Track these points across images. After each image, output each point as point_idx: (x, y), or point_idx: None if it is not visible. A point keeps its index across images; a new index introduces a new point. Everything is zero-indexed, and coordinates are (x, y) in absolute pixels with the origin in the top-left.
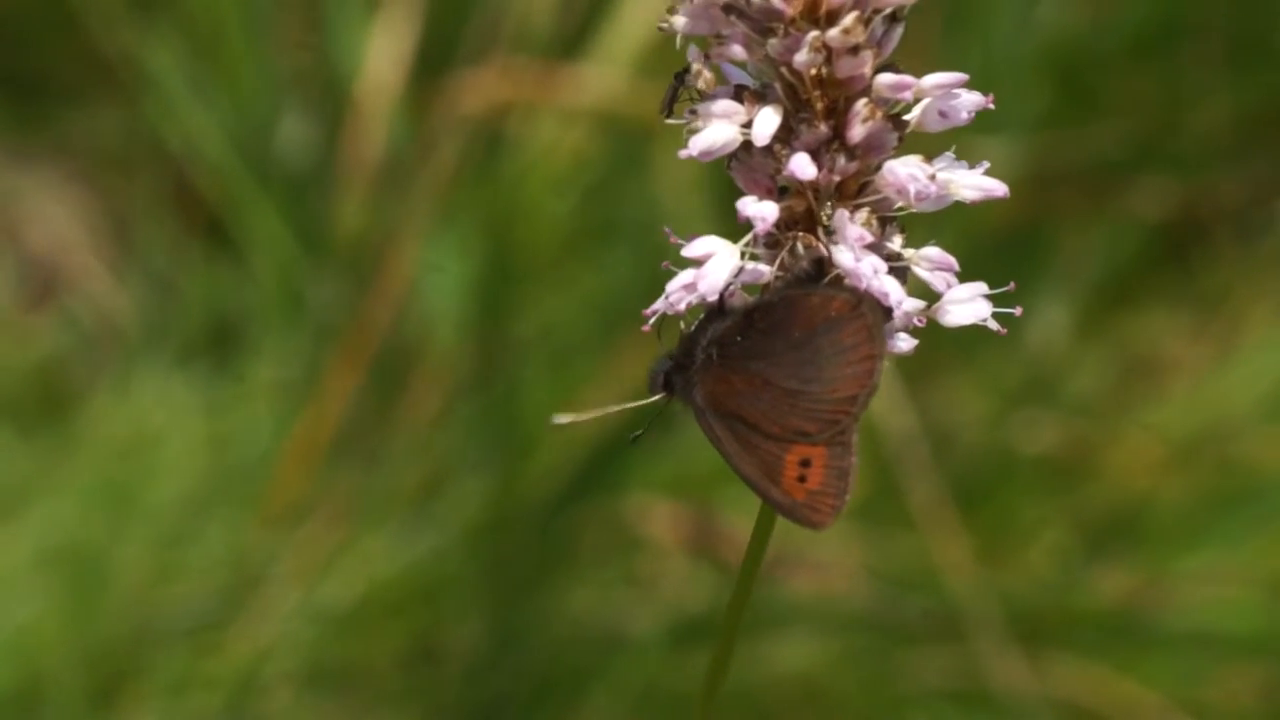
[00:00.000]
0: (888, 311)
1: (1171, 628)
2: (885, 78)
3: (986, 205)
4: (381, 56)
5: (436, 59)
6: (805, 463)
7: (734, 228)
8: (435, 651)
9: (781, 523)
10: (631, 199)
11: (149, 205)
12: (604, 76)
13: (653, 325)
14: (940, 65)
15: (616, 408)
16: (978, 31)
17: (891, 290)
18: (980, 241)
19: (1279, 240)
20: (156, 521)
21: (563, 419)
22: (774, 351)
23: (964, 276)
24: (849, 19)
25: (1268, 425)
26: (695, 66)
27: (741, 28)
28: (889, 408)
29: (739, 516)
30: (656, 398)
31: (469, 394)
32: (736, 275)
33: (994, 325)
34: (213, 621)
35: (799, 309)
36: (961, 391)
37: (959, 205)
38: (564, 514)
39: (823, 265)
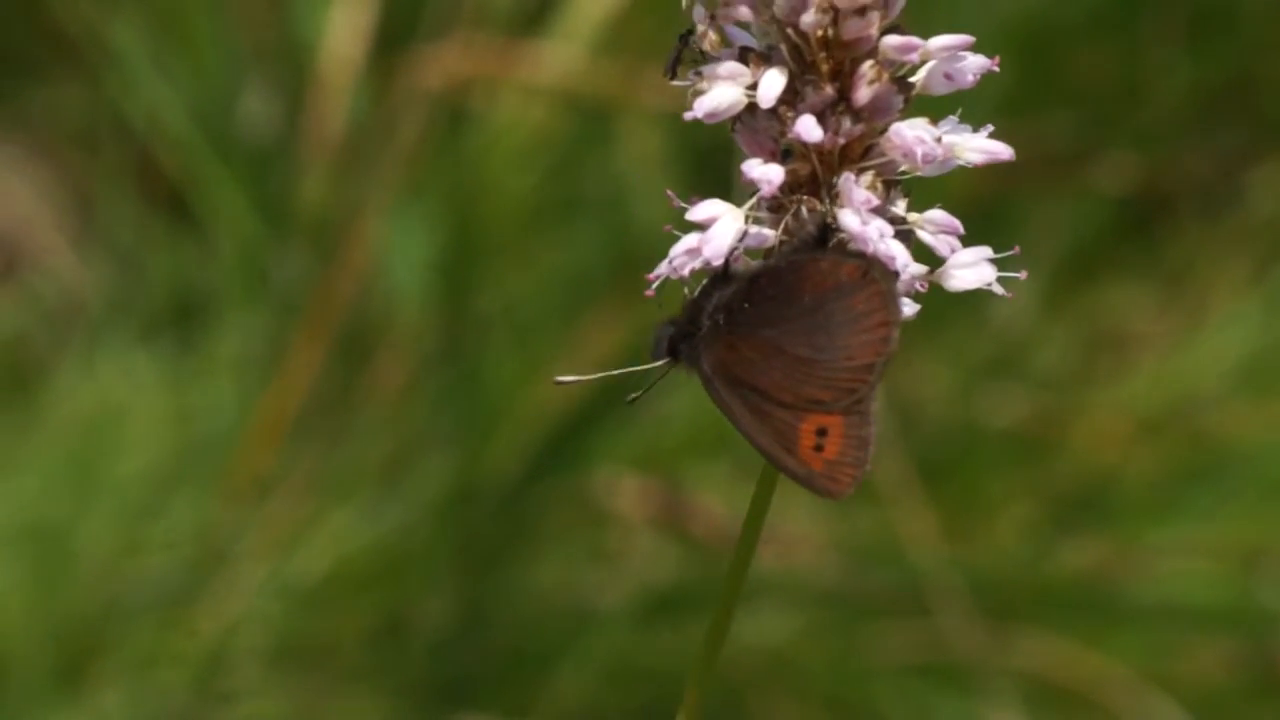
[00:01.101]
0: (894, 275)
1: (1140, 601)
2: (892, 39)
3: (952, 176)
4: (343, 31)
5: (398, 34)
6: (822, 432)
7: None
8: (402, 627)
9: (745, 496)
10: (595, 175)
11: (111, 181)
12: (566, 53)
13: (655, 290)
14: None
15: (618, 371)
16: (943, 6)
17: (897, 254)
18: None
19: (1243, 214)
20: (121, 497)
21: (566, 379)
22: (784, 318)
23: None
24: None
25: (1234, 398)
26: (700, 28)
27: None
28: None
29: (707, 491)
30: (659, 363)
31: (434, 369)
32: (741, 239)
33: (999, 289)
34: (179, 598)
35: (807, 274)
36: (928, 366)
37: (923, 180)
38: (531, 489)
39: (828, 229)
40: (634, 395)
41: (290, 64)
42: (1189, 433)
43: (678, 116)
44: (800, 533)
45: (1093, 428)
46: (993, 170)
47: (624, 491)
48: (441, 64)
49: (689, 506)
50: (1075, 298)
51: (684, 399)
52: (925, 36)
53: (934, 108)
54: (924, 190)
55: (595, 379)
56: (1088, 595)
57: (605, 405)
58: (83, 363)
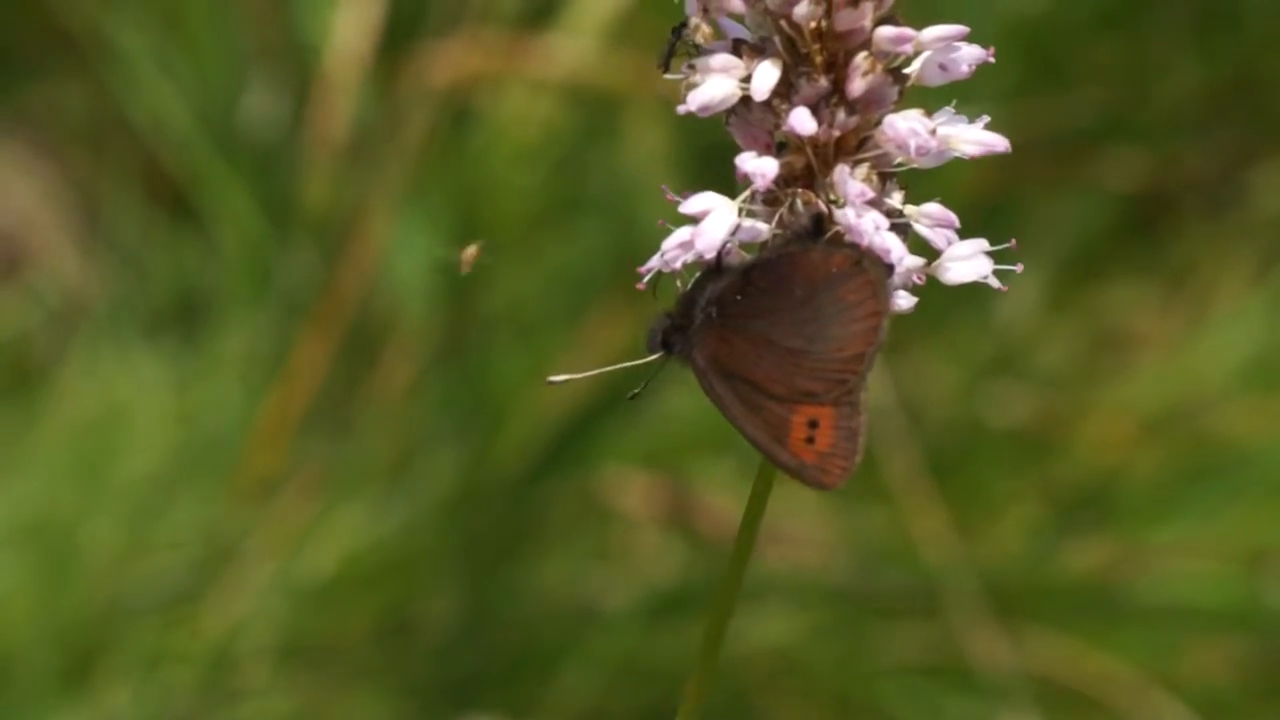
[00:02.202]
0: (889, 268)
1: (1145, 601)
2: (885, 30)
3: (956, 175)
4: (348, 28)
5: (404, 30)
6: (813, 423)
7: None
8: (408, 626)
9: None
10: (601, 171)
11: (115, 180)
12: (573, 47)
13: (648, 283)
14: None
15: (613, 367)
16: (947, 2)
17: (893, 246)
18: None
19: (1247, 211)
20: (127, 497)
21: (558, 379)
22: (775, 310)
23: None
24: None
25: (1239, 397)
26: (693, 20)
27: None
28: None
29: (712, 488)
30: (654, 357)
31: (440, 368)
32: (734, 233)
33: (994, 282)
34: (185, 596)
35: (799, 266)
36: (931, 364)
37: (928, 174)
38: (537, 487)
39: (822, 222)
40: (634, 392)
41: (295, 61)
42: (1194, 431)
43: (683, 114)
44: (806, 532)
45: (1097, 426)
46: (997, 167)
47: (630, 489)
48: (447, 61)
49: (695, 504)
50: (1079, 296)
51: (689, 396)
52: (920, 29)
53: (934, 100)
54: (927, 186)
55: (591, 375)
56: (1093, 595)
57: (610, 403)
58: (87, 362)
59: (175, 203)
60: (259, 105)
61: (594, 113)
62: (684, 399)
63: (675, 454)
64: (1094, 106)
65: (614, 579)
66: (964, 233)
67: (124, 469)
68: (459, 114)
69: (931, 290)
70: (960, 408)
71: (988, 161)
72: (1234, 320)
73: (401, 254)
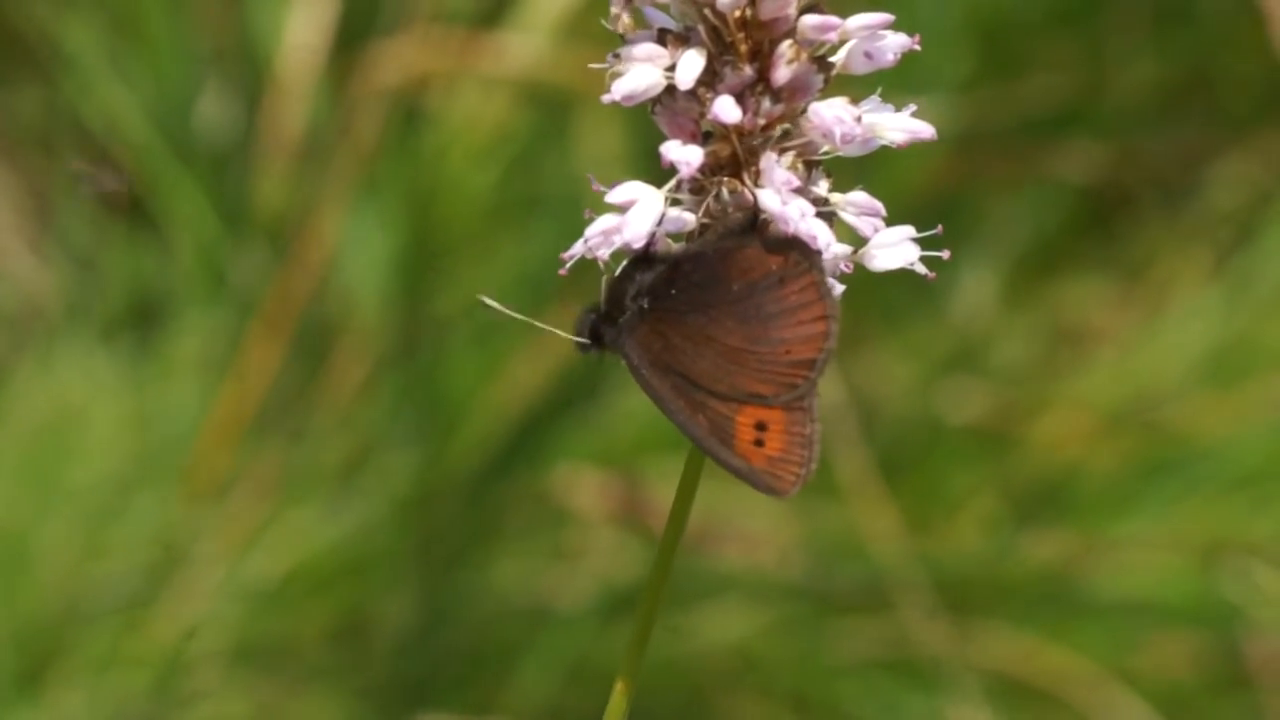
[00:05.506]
0: (817, 254)
1: (1102, 596)
2: (810, 19)
3: (911, 170)
4: (301, 29)
5: (356, 30)
6: (761, 426)
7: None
8: (364, 627)
9: (707, 493)
10: (555, 171)
11: (69, 183)
12: (525, 45)
13: (569, 270)
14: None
15: (548, 327)
16: None
17: (820, 233)
18: (905, 207)
19: (1204, 206)
20: (81, 499)
21: (487, 300)
22: (712, 304)
23: None
24: None
25: (1195, 392)
26: (615, 10)
27: None
28: None
29: (667, 487)
30: (586, 349)
31: (393, 367)
32: (660, 222)
33: (921, 269)
34: (139, 599)
35: (735, 261)
36: (887, 361)
37: (883, 169)
38: (491, 487)
39: (756, 217)
40: (580, 392)
41: (248, 63)
42: (1150, 426)
43: (636, 111)
44: (763, 530)
45: (1054, 422)
46: (952, 161)
47: (584, 488)
48: (400, 60)
49: (648, 503)
50: (1035, 291)
51: (643, 395)
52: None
53: (888, 91)
54: (882, 179)
55: (512, 310)
56: (1050, 590)
57: (564, 402)
58: (41, 365)
59: (129, 205)
60: (212, 108)
61: (547, 112)
62: (637, 398)
63: (628, 452)
64: (1050, 100)
65: (569, 578)
66: (921, 228)
67: (78, 471)
68: (411, 113)
69: (887, 286)
70: (917, 404)
71: (943, 155)
72: (1191, 315)
73: (354, 254)
